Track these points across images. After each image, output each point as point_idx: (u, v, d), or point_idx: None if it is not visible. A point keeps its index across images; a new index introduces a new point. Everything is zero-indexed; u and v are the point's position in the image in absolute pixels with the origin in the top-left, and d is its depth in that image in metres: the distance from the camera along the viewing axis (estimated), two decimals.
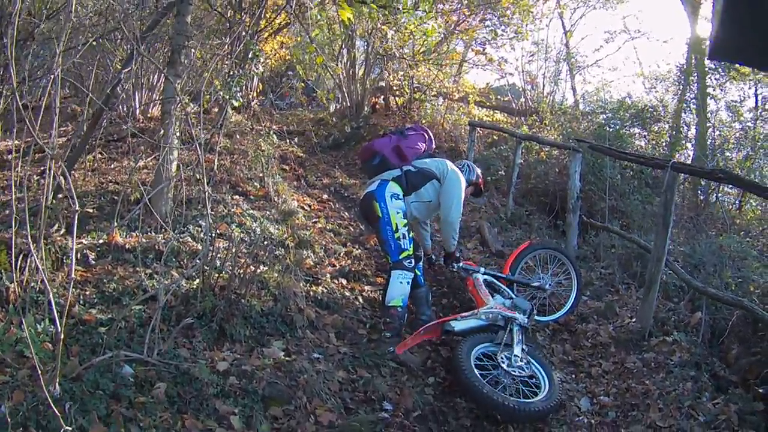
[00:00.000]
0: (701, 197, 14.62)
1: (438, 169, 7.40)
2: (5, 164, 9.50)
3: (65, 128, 11.95)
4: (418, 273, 7.43)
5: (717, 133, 16.06)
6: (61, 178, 5.59)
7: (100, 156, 10.38)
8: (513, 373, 6.09)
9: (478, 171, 8.28)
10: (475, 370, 5.86)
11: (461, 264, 8.14)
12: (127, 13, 7.49)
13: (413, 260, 6.88)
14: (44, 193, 5.37)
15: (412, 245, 6.90)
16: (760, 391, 5.84)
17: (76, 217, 4.14)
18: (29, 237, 4.45)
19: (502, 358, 6.22)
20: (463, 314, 6.79)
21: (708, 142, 15.82)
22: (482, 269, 8.09)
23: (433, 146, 7.94)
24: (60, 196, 7.01)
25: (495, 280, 8.00)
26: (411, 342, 6.38)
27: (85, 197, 8.18)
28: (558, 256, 8.55)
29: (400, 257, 6.79)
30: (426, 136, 7.86)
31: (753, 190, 7.79)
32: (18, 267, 5.19)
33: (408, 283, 6.75)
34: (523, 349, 6.36)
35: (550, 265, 8.45)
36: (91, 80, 9.09)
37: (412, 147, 7.53)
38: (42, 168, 7.90)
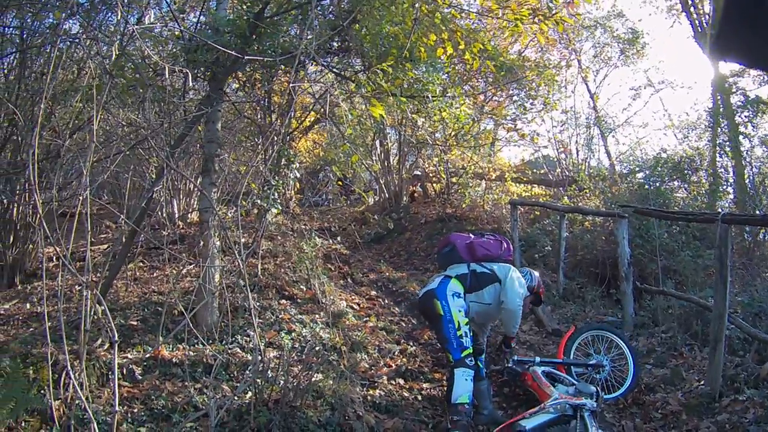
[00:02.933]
0: (749, 239, 14.35)
1: (500, 272, 7.35)
2: (47, 273, 9.50)
3: (106, 234, 11.98)
4: (481, 365, 7.34)
5: (755, 171, 15.85)
6: (97, 305, 5.52)
7: (141, 264, 10.36)
8: None
9: (539, 278, 8.13)
10: None
11: (515, 357, 7.90)
12: (154, 128, 7.48)
13: (473, 358, 6.74)
14: (84, 303, 5.30)
15: (472, 343, 6.80)
16: None
17: (116, 347, 4.05)
18: (69, 353, 4.36)
19: None
20: (531, 411, 6.40)
21: (747, 182, 15.62)
22: (537, 359, 7.88)
23: (511, 256, 7.90)
24: (103, 308, 6.93)
25: (553, 369, 7.74)
26: None
27: (129, 309, 8.07)
28: (603, 334, 8.30)
29: (462, 355, 6.64)
30: (503, 244, 7.80)
31: None
32: (62, 383, 5.10)
33: (471, 380, 6.58)
34: None
35: (600, 344, 8.21)
36: (127, 188, 9.13)
37: (485, 247, 7.53)
38: (83, 276, 7.87)
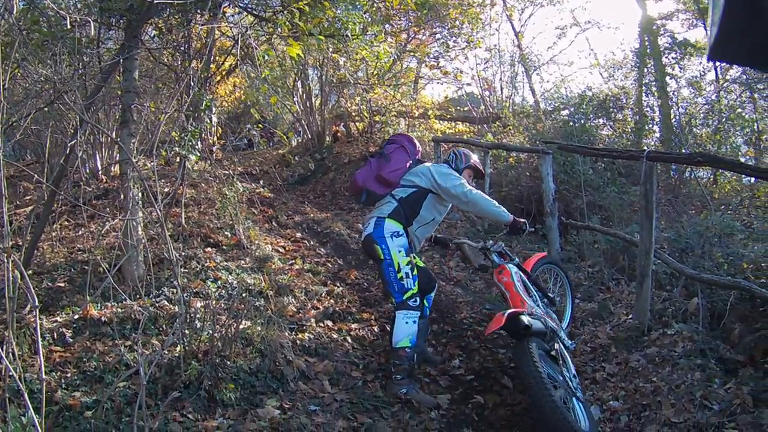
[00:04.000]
0: (675, 177, 14.55)
1: (424, 180, 6.79)
2: None
3: (30, 196, 11.71)
4: (426, 304, 7.15)
5: (682, 111, 16.04)
6: (17, 273, 5.37)
7: (66, 223, 10.12)
8: (577, 395, 5.62)
9: (468, 154, 7.40)
10: (552, 390, 5.17)
11: (501, 246, 7.33)
12: (67, 82, 7.25)
13: (418, 299, 6.50)
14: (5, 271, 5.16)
15: (416, 283, 6.51)
16: None
17: (38, 313, 3.93)
18: None
19: (567, 377, 5.77)
20: (516, 309, 6.15)
21: (673, 122, 15.80)
22: (516, 260, 7.18)
23: (419, 151, 7.29)
24: (29, 272, 6.76)
25: (526, 280, 7.01)
26: (488, 329, 5.93)
27: (55, 270, 7.91)
28: (556, 270, 8.19)
29: (404, 297, 6.43)
30: (408, 145, 7.21)
31: (735, 170, 7.71)
32: None
33: (414, 322, 6.40)
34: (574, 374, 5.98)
35: (550, 280, 8.13)
36: (47, 146, 8.89)
37: (396, 169, 6.95)
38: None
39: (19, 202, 11.09)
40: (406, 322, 6.35)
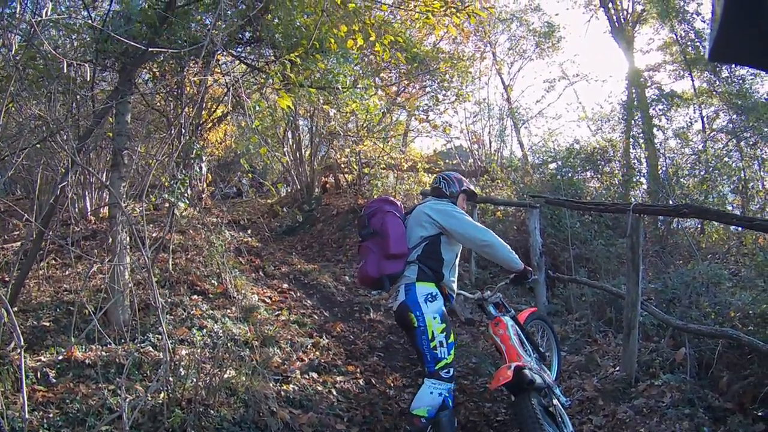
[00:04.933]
0: (662, 227, 14.63)
1: (427, 227, 6.28)
2: None
3: (18, 232, 11.69)
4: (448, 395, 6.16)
5: (668, 162, 16.18)
6: (2, 310, 5.35)
7: (53, 262, 10.09)
8: None
9: (460, 177, 6.87)
10: None
11: (499, 296, 6.87)
12: (61, 121, 7.29)
13: (452, 370, 5.99)
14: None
15: (452, 352, 6.01)
16: (759, 414, 5.77)
17: (23, 353, 3.91)
18: None
19: None
20: (517, 363, 5.86)
21: (660, 173, 15.92)
22: (513, 312, 6.85)
23: (399, 205, 6.58)
24: (15, 309, 6.73)
25: (521, 334, 6.66)
26: (494, 384, 5.71)
27: (41, 309, 7.85)
28: (542, 324, 8.04)
29: (437, 367, 5.92)
30: (390, 207, 6.47)
31: (721, 220, 7.78)
32: None
33: (440, 395, 5.86)
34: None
35: (537, 334, 8.02)
36: (38, 183, 8.90)
37: (398, 238, 6.24)
38: None
39: (7, 237, 11.08)
40: (431, 392, 5.87)
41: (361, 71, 12.22)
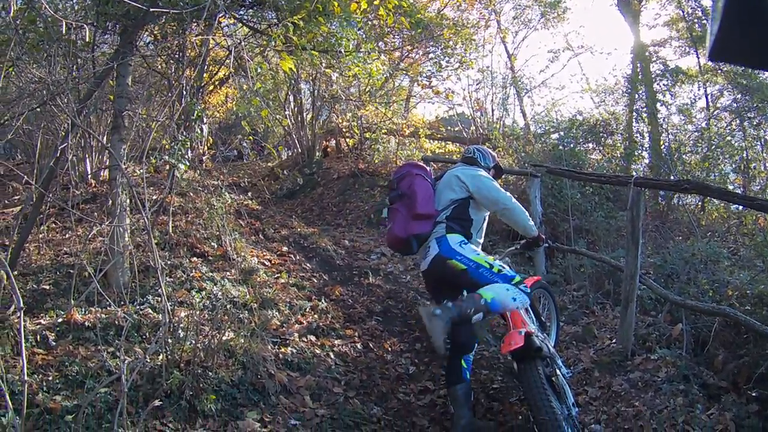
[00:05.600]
0: (662, 203, 14.62)
1: (457, 189, 6.29)
2: None
3: (18, 196, 11.67)
4: (465, 366, 6.14)
5: (671, 137, 16.12)
6: (2, 273, 5.34)
7: (53, 226, 10.10)
8: (577, 426, 5.46)
9: (490, 152, 7.00)
10: (561, 417, 5.02)
11: (507, 262, 6.65)
12: (60, 84, 7.25)
13: (527, 287, 5.89)
14: None
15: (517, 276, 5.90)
16: (753, 394, 5.79)
17: (22, 315, 3.92)
18: None
19: (568, 405, 5.49)
20: (526, 329, 5.70)
21: (663, 148, 15.86)
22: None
23: (428, 169, 6.59)
24: (15, 272, 6.72)
25: None
26: (505, 348, 5.43)
27: (41, 273, 7.83)
28: (544, 293, 7.98)
29: (514, 282, 5.78)
30: (419, 171, 6.49)
31: (722, 197, 7.75)
32: None
33: (513, 300, 5.60)
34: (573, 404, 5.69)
35: (539, 302, 7.93)
36: (38, 146, 8.88)
37: (427, 199, 6.25)
38: None
39: (8, 201, 11.08)
40: (507, 290, 5.65)
41: (364, 35, 12.18)
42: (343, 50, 9.04)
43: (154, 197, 10.72)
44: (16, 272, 6.79)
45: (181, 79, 9.44)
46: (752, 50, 1.43)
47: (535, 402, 5.08)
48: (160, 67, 11.92)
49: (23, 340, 4.23)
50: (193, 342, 6.02)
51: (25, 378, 3.94)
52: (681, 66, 17.98)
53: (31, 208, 7.84)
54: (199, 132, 8.34)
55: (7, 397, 3.56)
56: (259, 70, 9.10)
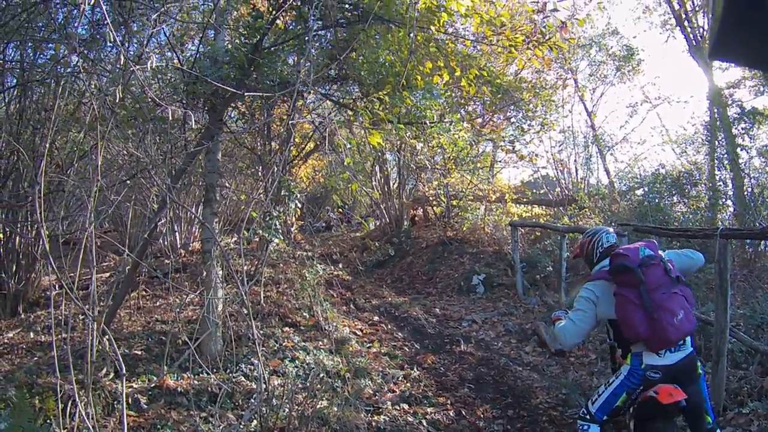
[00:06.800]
0: (750, 250, 14.37)
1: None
2: (47, 302, 9.58)
3: (108, 264, 12.02)
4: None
5: (753, 182, 15.87)
6: (105, 340, 5.55)
7: (144, 293, 10.40)
8: None
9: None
10: None
11: None
12: (155, 159, 7.55)
13: None
14: (89, 335, 5.35)
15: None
16: None
17: (124, 380, 4.10)
18: (74, 383, 4.40)
19: None
20: None
21: (746, 194, 15.64)
22: None
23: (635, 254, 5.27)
24: (107, 338, 6.95)
25: None
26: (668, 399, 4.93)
27: (132, 338, 8.13)
28: None
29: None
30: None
31: None
32: (68, 413, 5.13)
33: None
34: None
35: None
36: (130, 217, 9.17)
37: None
38: (87, 307, 7.90)
39: (96, 269, 11.42)
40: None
41: (446, 105, 12.34)
42: (427, 121, 9.18)
43: (245, 269, 10.96)
44: (108, 337, 7.01)
45: (269, 154, 9.70)
46: (752, 50, 1.48)
47: None
48: (248, 142, 12.24)
49: (124, 402, 4.40)
50: (288, 410, 6.09)
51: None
52: (757, 106, 17.68)
53: (125, 276, 8.11)
54: (293, 207, 8.53)
55: None
56: (348, 146, 9.31)
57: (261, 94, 7.32)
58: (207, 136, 8.00)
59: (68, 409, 5.18)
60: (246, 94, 6.98)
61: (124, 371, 4.06)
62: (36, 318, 9.30)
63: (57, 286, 9.63)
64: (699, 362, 5.33)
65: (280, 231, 8.26)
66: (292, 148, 11.34)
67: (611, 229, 6.04)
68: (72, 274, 5.69)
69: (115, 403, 6.14)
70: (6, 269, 9.60)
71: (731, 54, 1.60)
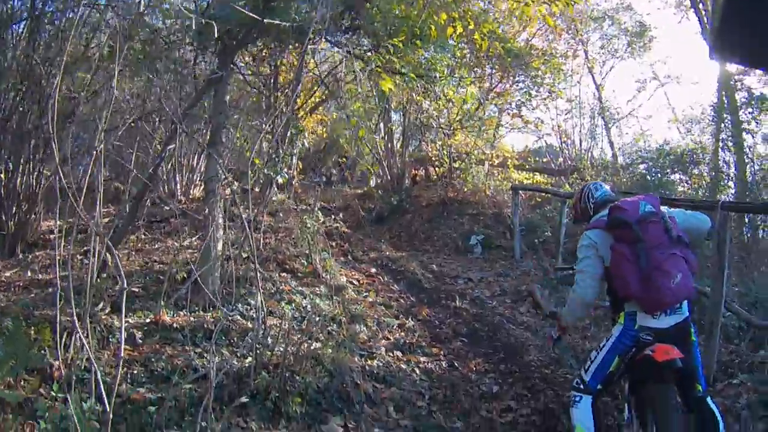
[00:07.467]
0: (747, 234, 14.42)
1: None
2: (48, 244, 9.61)
3: (107, 209, 12.05)
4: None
5: (756, 167, 15.91)
6: (107, 254, 5.57)
7: (143, 237, 10.46)
8: None
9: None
10: None
11: None
12: (167, 91, 7.54)
13: None
14: (89, 271, 5.38)
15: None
16: None
17: (125, 294, 4.12)
18: (74, 315, 4.43)
19: None
20: None
21: (749, 177, 15.67)
22: None
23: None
24: (104, 275, 6.98)
25: None
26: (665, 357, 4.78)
27: (130, 277, 8.14)
28: None
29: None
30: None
31: None
32: (63, 345, 5.16)
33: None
34: None
35: None
36: (132, 161, 9.20)
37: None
38: (86, 248, 7.93)
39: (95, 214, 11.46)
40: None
41: (457, 62, 12.33)
42: (437, 75, 9.17)
43: (246, 214, 10.98)
44: (105, 275, 7.04)
45: (278, 98, 9.69)
46: (752, 50, 1.49)
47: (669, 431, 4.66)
48: (256, 87, 12.24)
49: (123, 322, 4.42)
50: (282, 348, 6.18)
51: (122, 353, 4.15)
52: (766, 94, 17.67)
53: (126, 216, 8.14)
54: (301, 145, 8.52)
55: (101, 384, 3.75)
56: (358, 91, 9.29)
57: (279, 23, 7.23)
58: (217, 77, 7.98)
59: (63, 340, 5.21)
60: (265, 21, 6.93)
61: (125, 285, 4.09)
62: (34, 258, 9.39)
63: (55, 230, 9.71)
64: (693, 329, 5.20)
65: (286, 172, 8.28)
66: (299, 94, 11.29)
67: (603, 184, 5.87)
68: (71, 219, 5.70)
69: (110, 336, 6.19)
70: (6, 210, 9.64)
71: (731, 54, 1.61)
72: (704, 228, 5.47)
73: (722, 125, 17.73)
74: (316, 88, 14.12)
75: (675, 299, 4.90)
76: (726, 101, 18.04)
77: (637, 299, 4.92)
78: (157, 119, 11.61)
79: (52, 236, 9.90)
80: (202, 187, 13.67)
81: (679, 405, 4.78)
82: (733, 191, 16.20)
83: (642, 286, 4.81)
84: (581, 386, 5.28)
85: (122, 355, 4.10)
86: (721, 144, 17.36)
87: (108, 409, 3.79)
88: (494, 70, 18.01)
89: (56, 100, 5.21)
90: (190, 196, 13.44)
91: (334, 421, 5.73)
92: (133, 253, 9.40)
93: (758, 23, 1.41)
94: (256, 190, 11.90)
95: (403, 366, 7.54)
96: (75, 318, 4.40)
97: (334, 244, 12.52)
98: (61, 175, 4.57)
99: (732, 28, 1.42)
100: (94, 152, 4.93)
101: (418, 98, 13.60)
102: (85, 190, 4.96)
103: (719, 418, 4.96)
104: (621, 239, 4.97)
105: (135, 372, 5.72)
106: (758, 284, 8.73)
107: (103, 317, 6.42)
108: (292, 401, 5.66)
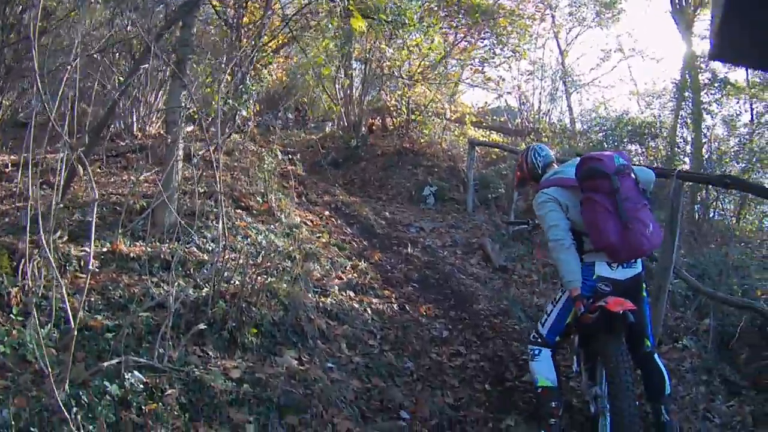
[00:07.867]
0: (699, 212, 14.64)
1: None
2: (3, 176, 9.51)
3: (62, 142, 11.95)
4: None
5: (714, 147, 16.12)
6: (79, 166, 5.53)
7: (99, 171, 10.35)
8: None
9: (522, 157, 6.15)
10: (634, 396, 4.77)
11: None
12: (135, 19, 7.46)
13: None
14: (47, 200, 5.34)
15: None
16: None
17: (95, 205, 4.11)
18: (30, 242, 4.42)
19: None
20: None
21: (704, 156, 15.88)
22: None
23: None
24: (61, 205, 6.92)
25: None
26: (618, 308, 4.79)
27: (87, 207, 8.01)
28: None
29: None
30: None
31: (764, 195, 7.76)
32: (20, 272, 5.14)
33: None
34: None
35: None
36: (93, 95, 9.08)
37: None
38: (42, 180, 7.83)
39: (50, 148, 11.37)
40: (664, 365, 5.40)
41: (425, 11, 12.30)
42: (407, 21, 9.16)
43: (202, 152, 10.95)
44: (62, 205, 6.97)
45: (243, 34, 9.62)
46: (752, 51, 1.50)
47: (619, 380, 4.70)
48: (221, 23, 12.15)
49: (93, 229, 4.40)
50: (239, 280, 6.21)
51: (91, 258, 4.13)
52: (729, 78, 17.88)
53: (82, 150, 8.07)
54: (265, 72, 8.48)
55: (67, 305, 3.75)
56: (329, 27, 9.25)
57: None
58: (186, 7, 7.89)
59: (21, 266, 5.19)
60: None
61: (96, 196, 4.06)
62: None
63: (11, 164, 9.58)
64: (645, 284, 5.38)
65: (250, 104, 8.24)
66: (266, 32, 11.21)
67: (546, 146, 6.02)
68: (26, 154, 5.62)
69: (67, 264, 6.15)
70: None
71: (731, 55, 1.61)
72: (650, 179, 5.57)
73: (683, 103, 17.90)
74: (280, 29, 14.04)
75: (651, 247, 5.07)
76: (689, 80, 18.20)
77: (612, 248, 4.92)
78: (118, 54, 11.51)
79: (7, 170, 9.77)
80: (159, 124, 13.62)
81: (629, 358, 4.83)
82: (687, 167, 16.41)
83: (621, 236, 4.83)
84: (539, 340, 5.40)
85: (90, 267, 4.08)
86: (680, 120, 17.54)
87: (74, 329, 3.78)
88: (460, 25, 17.99)
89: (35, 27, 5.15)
90: (146, 133, 13.33)
91: (288, 354, 5.78)
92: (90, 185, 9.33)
93: (761, 24, 1.41)
94: (212, 131, 11.86)
95: (356, 305, 7.65)
96: (30, 244, 4.36)
97: (288, 185, 12.52)
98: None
99: (733, 28, 1.42)
100: (63, 79, 4.86)
101: (382, 46, 13.55)
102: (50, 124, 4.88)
103: (665, 374, 5.19)
104: (595, 189, 4.96)
105: (92, 300, 5.70)
106: (707, 259, 8.86)
107: (61, 245, 6.36)
108: (248, 332, 5.73)
